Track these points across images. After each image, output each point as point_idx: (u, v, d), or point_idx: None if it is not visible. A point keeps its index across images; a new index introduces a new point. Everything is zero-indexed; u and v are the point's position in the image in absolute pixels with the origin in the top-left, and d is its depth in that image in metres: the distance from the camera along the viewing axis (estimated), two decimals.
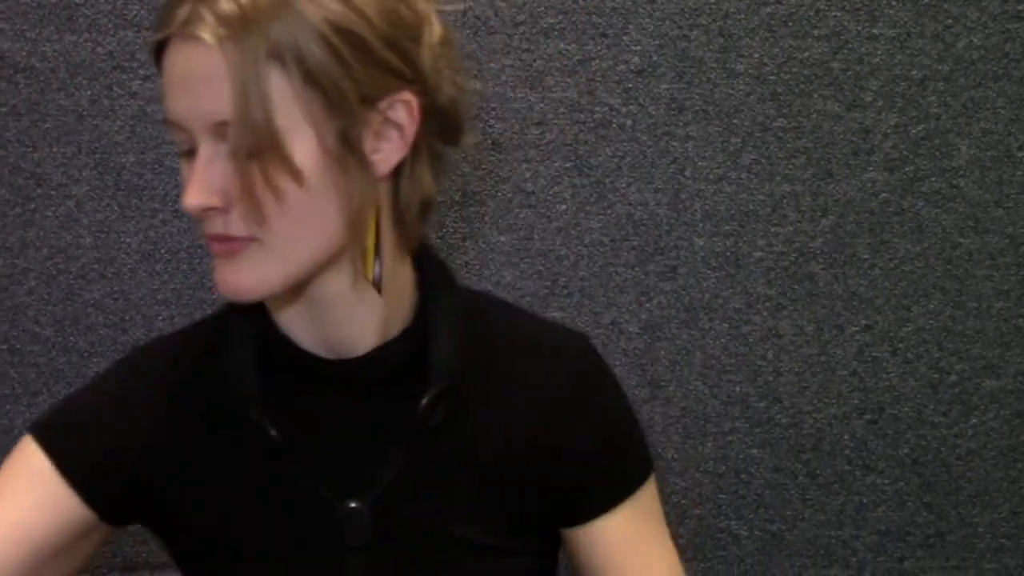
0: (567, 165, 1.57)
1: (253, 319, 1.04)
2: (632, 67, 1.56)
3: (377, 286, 1.01)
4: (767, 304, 1.61)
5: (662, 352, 1.61)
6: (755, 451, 1.64)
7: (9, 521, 1.02)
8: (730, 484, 1.64)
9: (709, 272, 1.60)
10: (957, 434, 1.65)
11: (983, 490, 1.65)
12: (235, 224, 0.94)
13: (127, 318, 1.58)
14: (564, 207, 1.58)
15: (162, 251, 1.57)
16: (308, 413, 1.03)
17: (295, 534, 1.04)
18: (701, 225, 1.59)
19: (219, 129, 0.92)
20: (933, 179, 1.60)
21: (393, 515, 1.03)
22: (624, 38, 1.55)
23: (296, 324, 1.03)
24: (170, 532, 1.09)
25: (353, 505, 1.02)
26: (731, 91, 1.57)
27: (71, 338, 1.58)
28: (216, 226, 0.94)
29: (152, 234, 1.56)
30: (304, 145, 0.93)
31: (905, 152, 1.60)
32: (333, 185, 0.94)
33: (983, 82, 1.59)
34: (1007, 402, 1.65)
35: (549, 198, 1.58)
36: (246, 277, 0.95)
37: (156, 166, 1.55)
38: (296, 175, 0.92)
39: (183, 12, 0.92)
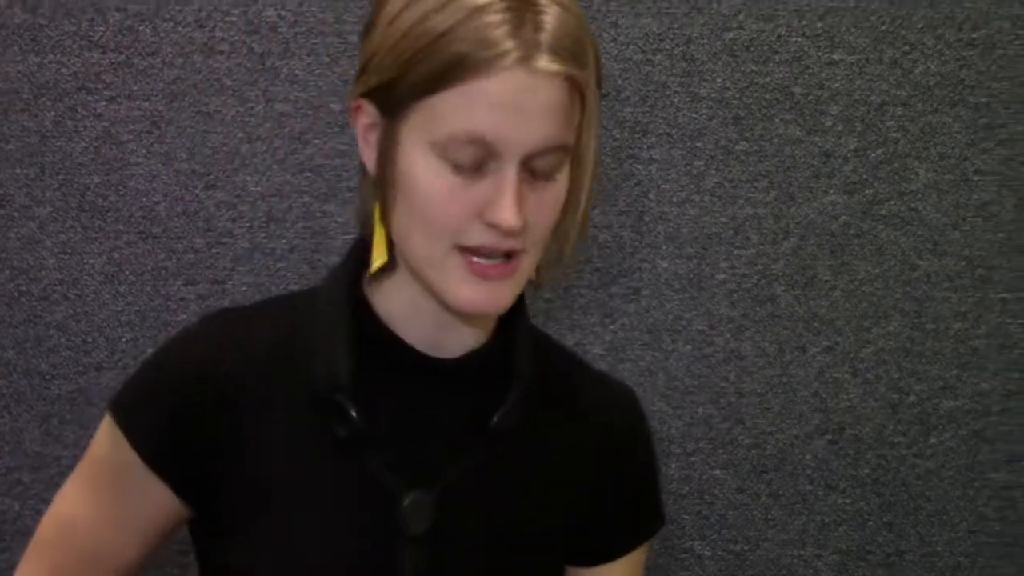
0: None
1: (349, 305, 1.07)
2: None
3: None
4: (729, 326, 1.63)
5: (626, 373, 1.62)
6: (718, 472, 1.65)
7: (121, 515, 1.09)
8: (693, 505, 1.65)
9: (672, 294, 1.62)
10: (916, 454, 1.67)
11: (942, 509, 1.67)
12: (519, 240, 0.99)
13: (90, 340, 1.57)
14: None
15: (126, 273, 1.56)
16: (390, 402, 1.07)
17: (356, 516, 1.05)
18: (664, 247, 1.61)
19: (537, 155, 0.98)
20: (892, 202, 1.63)
21: (454, 510, 1.07)
22: None
23: (410, 318, 1.07)
24: (227, 504, 1.08)
25: (416, 494, 1.05)
26: (694, 115, 1.59)
27: (33, 360, 1.57)
28: (506, 244, 0.99)
29: (116, 256, 1.56)
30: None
31: (865, 175, 1.62)
32: None
33: (940, 107, 1.62)
34: (964, 422, 1.67)
35: None
36: (503, 295, 1.00)
37: (120, 188, 1.54)
38: (585, 196, 1.03)
39: (521, 44, 0.95)
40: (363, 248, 1.10)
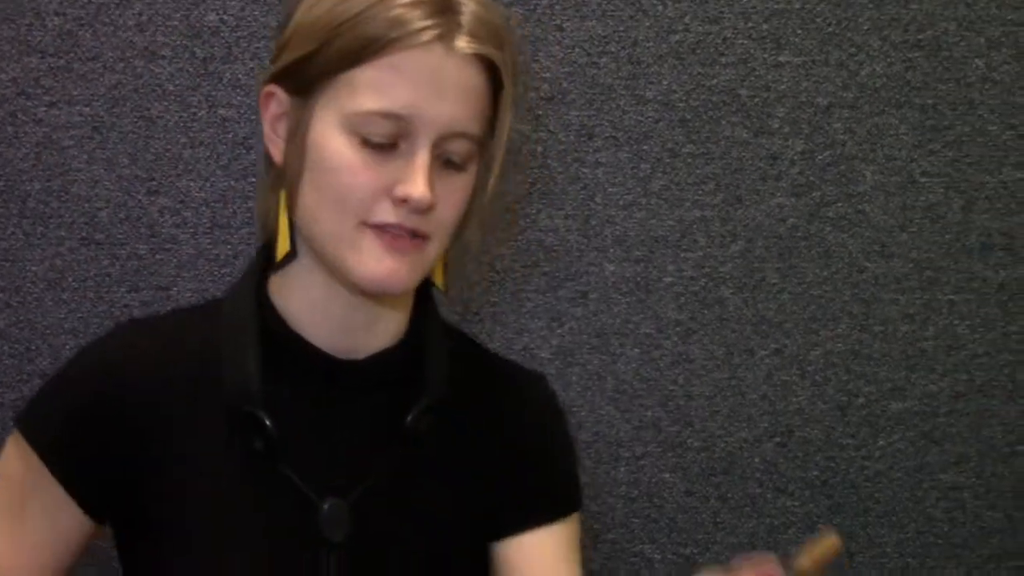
0: None
1: (257, 312, 1.06)
2: (542, 94, 1.57)
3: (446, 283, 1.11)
4: (677, 329, 1.62)
5: (574, 377, 1.62)
6: (667, 475, 1.65)
7: (31, 544, 1.07)
8: (643, 508, 1.65)
9: (620, 297, 1.61)
10: (865, 456, 1.67)
11: (891, 510, 1.68)
12: (426, 223, 1.00)
13: (33, 347, 1.56)
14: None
15: (69, 279, 1.55)
16: (303, 409, 1.06)
17: (277, 526, 1.05)
18: (611, 251, 1.60)
19: (449, 138, 0.99)
20: (839, 204, 1.63)
21: (375, 514, 1.06)
22: (534, 65, 1.56)
23: (316, 319, 1.06)
24: (145, 521, 1.07)
25: (334, 501, 1.05)
26: (640, 118, 1.59)
27: None
28: (412, 221, 0.99)
29: (59, 262, 1.54)
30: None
31: (812, 178, 1.62)
32: None
33: (886, 109, 1.62)
34: (913, 423, 1.67)
35: None
36: (409, 273, 1.01)
37: (62, 194, 1.53)
38: (492, 188, 1.05)
39: (440, 25, 0.97)
40: (267, 253, 1.09)
